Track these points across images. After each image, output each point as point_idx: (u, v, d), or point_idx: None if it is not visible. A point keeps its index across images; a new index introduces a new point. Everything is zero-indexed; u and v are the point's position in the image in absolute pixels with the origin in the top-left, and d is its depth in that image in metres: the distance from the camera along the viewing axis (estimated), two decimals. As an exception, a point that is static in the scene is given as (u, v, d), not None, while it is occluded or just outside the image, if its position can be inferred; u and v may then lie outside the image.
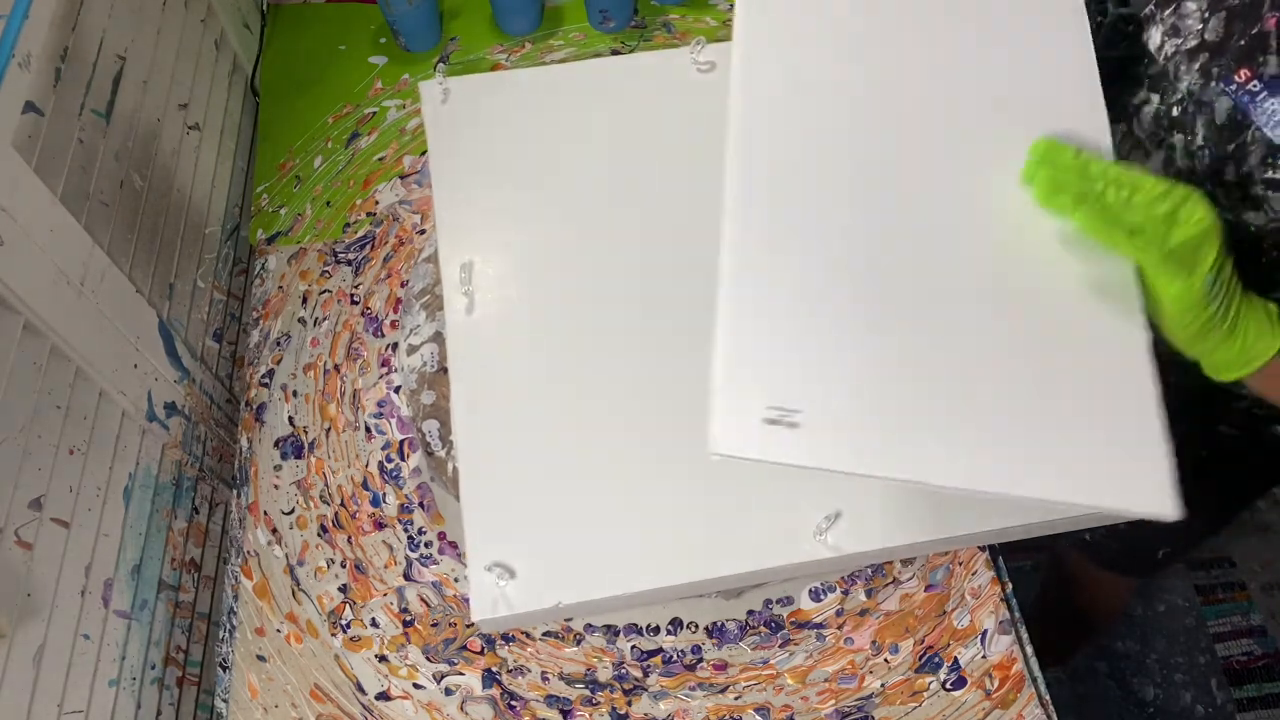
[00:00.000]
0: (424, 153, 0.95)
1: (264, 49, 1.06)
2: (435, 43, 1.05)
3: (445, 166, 0.73)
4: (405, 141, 0.97)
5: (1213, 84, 0.55)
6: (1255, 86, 0.53)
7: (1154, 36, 0.59)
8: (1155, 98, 0.62)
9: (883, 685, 0.68)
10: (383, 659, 0.70)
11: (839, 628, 0.70)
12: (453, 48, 1.05)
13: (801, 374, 0.48)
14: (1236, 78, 0.54)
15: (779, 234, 0.49)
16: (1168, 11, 0.58)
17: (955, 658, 0.68)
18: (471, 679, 0.69)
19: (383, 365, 0.82)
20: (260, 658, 0.70)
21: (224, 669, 0.70)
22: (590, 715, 0.67)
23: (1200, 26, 0.56)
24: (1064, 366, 0.49)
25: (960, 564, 0.72)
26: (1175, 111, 0.60)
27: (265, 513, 0.76)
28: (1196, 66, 0.56)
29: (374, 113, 0.99)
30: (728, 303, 0.48)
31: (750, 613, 0.70)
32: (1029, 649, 0.69)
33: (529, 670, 0.69)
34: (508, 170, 0.72)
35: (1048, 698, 0.68)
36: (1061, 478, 0.47)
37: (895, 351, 0.48)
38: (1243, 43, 0.53)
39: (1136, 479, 0.48)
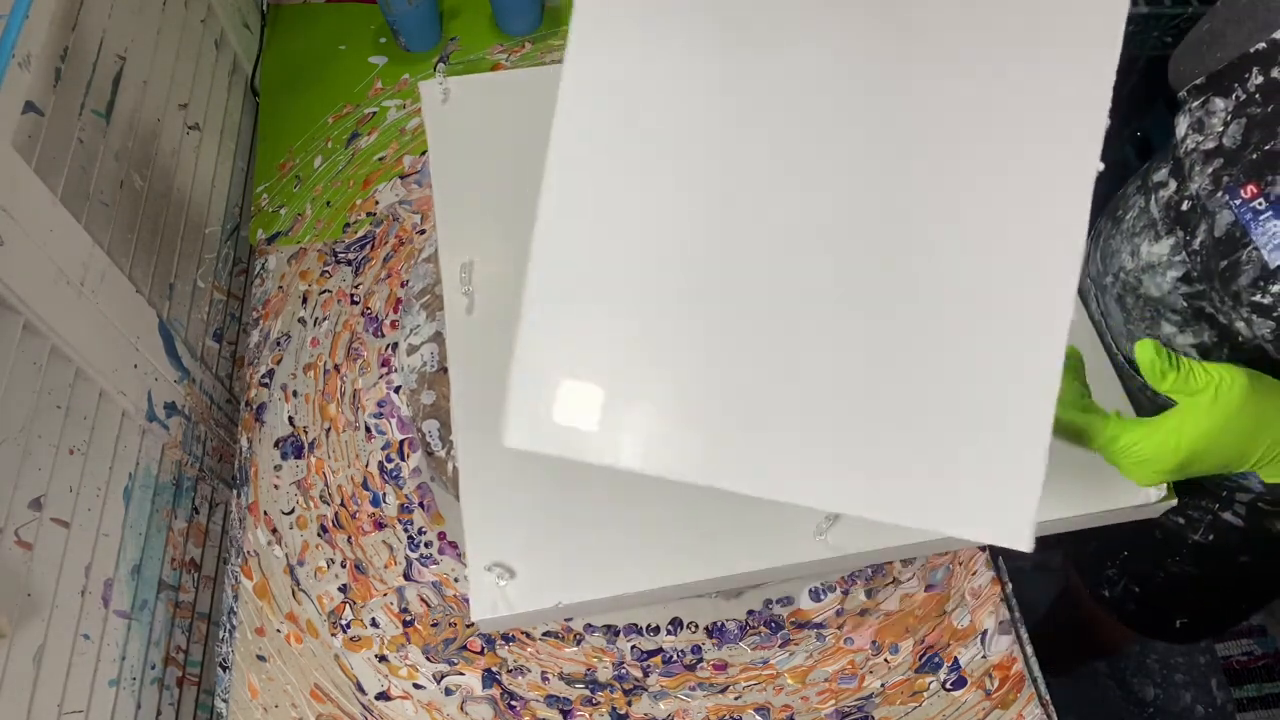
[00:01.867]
0: (424, 153, 0.96)
1: (264, 49, 1.06)
2: (435, 43, 1.05)
3: (445, 166, 0.73)
4: (405, 141, 0.97)
5: (1219, 193, 0.52)
6: (1260, 205, 0.49)
7: (1180, 126, 0.55)
8: (1173, 184, 0.58)
9: (883, 685, 0.68)
10: (383, 659, 0.70)
11: (839, 628, 0.70)
12: (453, 48, 1.05)
13: (608, 365, 0.44)
14: (1243, 192, 0.50)
15: (601, 216, 0.45)
16: (1197, 104, 0.54)
17: (955, 658, 0.68)
18: (471, 679, 0.69)
19: (383, 365, 0.82)
20: (260, 658, 0.70)
21: (224, 669, 0.70)
22: (590, 715, 0.67)
23: (1222, 129, 0.52)
24: (940, 378, 0.43)
25: (960, 564, 0.72)
26: (1184, 206, 0.57)
27: (265, 513, 0.76)
28: (1210, 170, 0.53)
29: (374, 113, 0.99)
30: (527, 324, 0.45)
31: (750, 613, 0.70)
32: (1029, 649, 0.69)
33: (529, 670, 0.69)
34: (508, 170, 0.72)
35: (1048, 698, 0.68)
36: (903, 498, 0.43)
37: (724, 351, 0.44)
38: (1255, 156, 0.50)
39: (994, 507, 0.43)
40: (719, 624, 0.70)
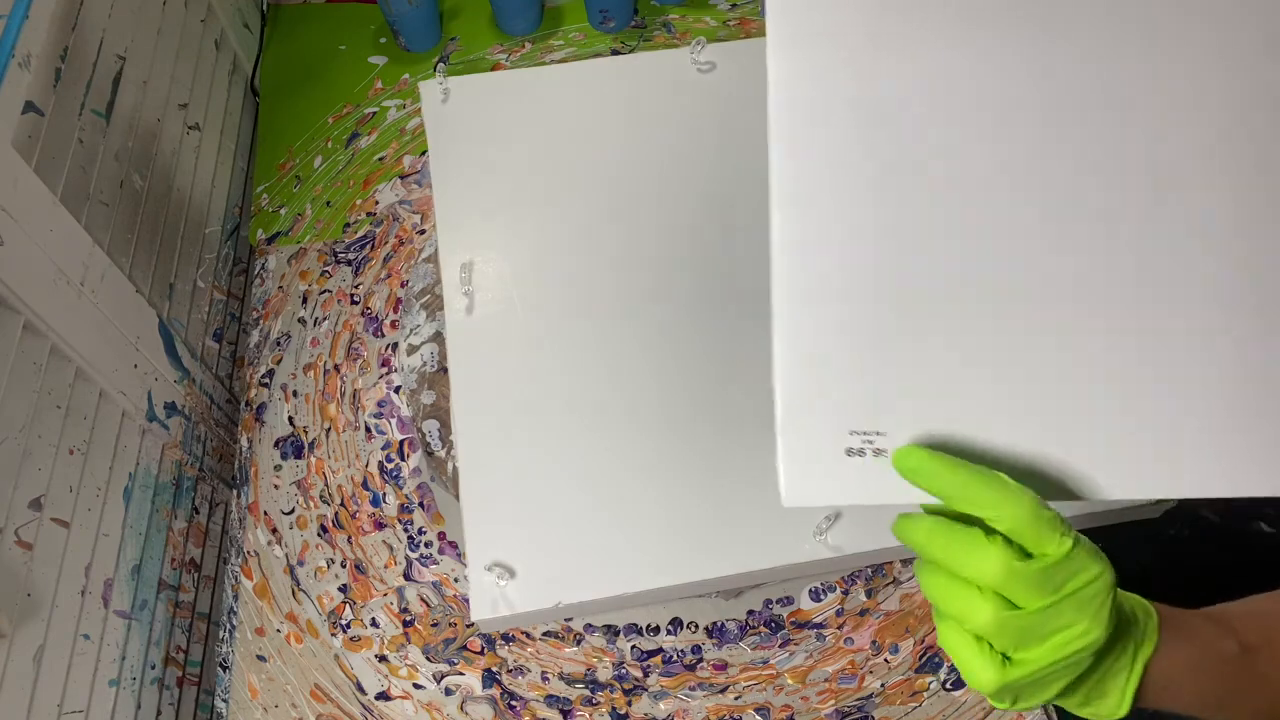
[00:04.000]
0: (424, 153, 0.96)
1: (264, 49, 1.06)
2: (435, 43, 1.05)
3: (445, 166, 0.73)
4: (405, 141, 0.97)
5: None
6: None
7: None
8: None
9: (883, 685, 0.68)
10: (383, 659, 0.70)
11: (839, 628, 0.70)
12: (453, 48, 1.05)
13: (877, 390, 0.39)
14: None
15: (834, 234, 0.40)
16: None
17: (955, 658, 0.68)
18: (471, 679, 0.69)
19: (383, 365, 0.82)
20: (260, 658, 0.70)
21: (224, 669, 0.70)
22: (590, 715, 0.67)
23: None
24: (1195, 357, 0.40)
25: (960, 564, 0.72)
26: None
27: (265, 513, 0.76)
28: None
29: (374, 113, 0.99)
30: (781, 324, 0.39)
31: (750, 613, 0.70)
32: (1029, 649, 0.69)
33: (529, 670, 0.69)
34: (508, 170, 0.73)
35: (1048, 698, 0.68)
36: (1204, 472, 0.40)
37: (988, 350, 0.39)
38: None
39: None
40: (719, 624, 0.70)
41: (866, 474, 0.38)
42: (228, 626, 0.72)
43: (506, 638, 0.70)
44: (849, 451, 0.38)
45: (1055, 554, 0.34)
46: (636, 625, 0.70)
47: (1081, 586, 0.35)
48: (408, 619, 0.71)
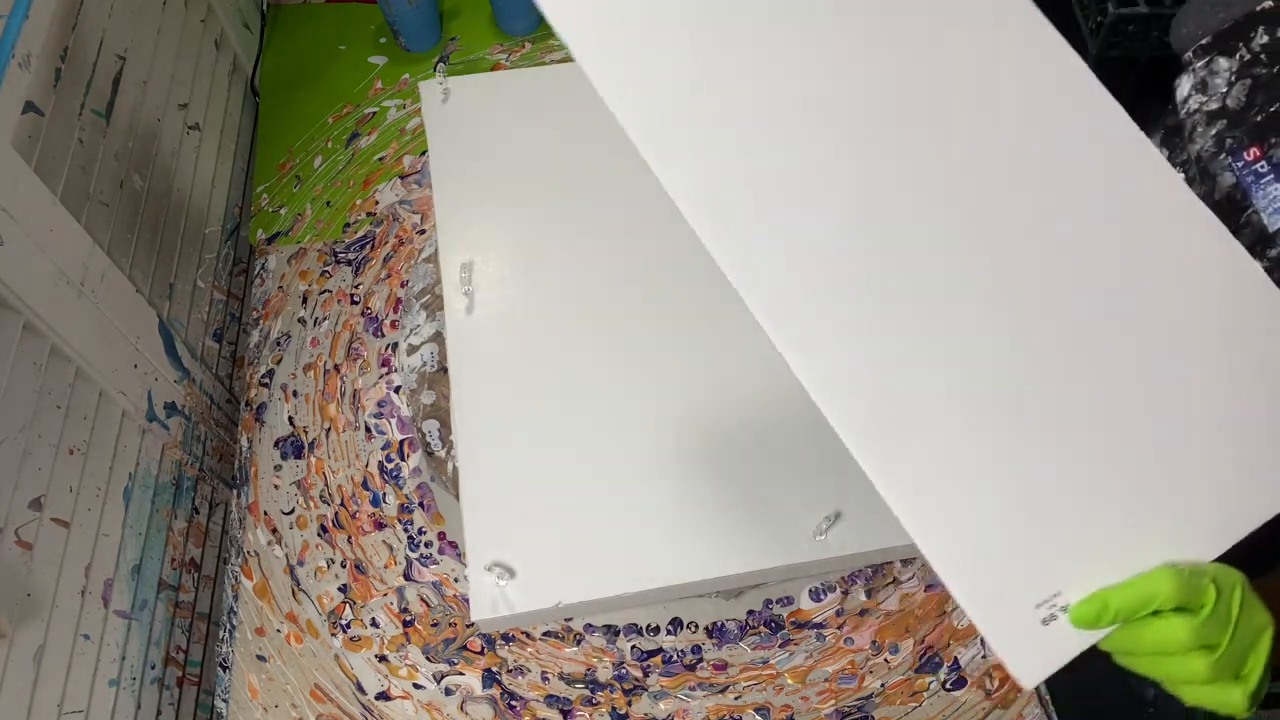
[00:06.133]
0: (424, 153, 0.96)
1: (264, 49, 1.06)
2: (435, 43, 1.05)
3: (445, 166, 0.73)
4: (405, 141, 0.97)
5: (1222, 155, 0.52)
6: (1262, 168, 0.50)
7: (1184, 86, 0.55)
8: (1164, 152, 0.58)
9: (883, 685, 0.68)
10: (383, 659, 0.70)
11: (839, 628, 0.70)
12: (453, 48, 1.05)
13: (1039, 558, 0.39)
14: (1246, 155, 0.50)
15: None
16: (1201, 64, 0.54)
17: (955, 658, 0.68)
18: (471, 679, 0.69)
19: (383, 365, 0.82)
20: (260, 658, 0.70)
21: (224, 669, 0.70)
22: (590, 715, 0.67)
23: (1225, 90, 0.52)
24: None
25: (960, 564, 0.72)
26: (1179, 172, 0.57)
27: (265, 513, 0.76)
28: (1213, 132, 0.53)
29: (374, 113, 0.99)
30: (911, 520, 0.41)
31: (750, 613, 0.70)
32: (1029, 649, 0.69)
33: (529, 670, 0.69)
34: (508, 170, 0.73)
35: (1048, 697, 0.68)
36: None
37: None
38: (1260, 118, 0.50)
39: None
40: (719, 624, 0.70)
41: (1068, 628, 0.40)
42: (228, 626, 0.72)
43: (506, 638, 0.70)
44: (1045, 621, 0.40)
45: (1212, 601, 0.40)
46: (636, 625, 0.70)
47: (1241, 602, 0.40)
48: (408, 619, 0.71)
